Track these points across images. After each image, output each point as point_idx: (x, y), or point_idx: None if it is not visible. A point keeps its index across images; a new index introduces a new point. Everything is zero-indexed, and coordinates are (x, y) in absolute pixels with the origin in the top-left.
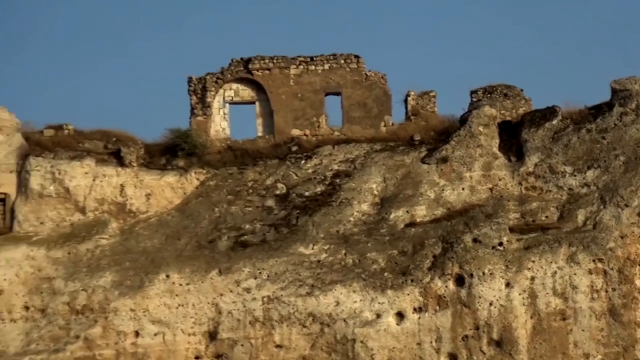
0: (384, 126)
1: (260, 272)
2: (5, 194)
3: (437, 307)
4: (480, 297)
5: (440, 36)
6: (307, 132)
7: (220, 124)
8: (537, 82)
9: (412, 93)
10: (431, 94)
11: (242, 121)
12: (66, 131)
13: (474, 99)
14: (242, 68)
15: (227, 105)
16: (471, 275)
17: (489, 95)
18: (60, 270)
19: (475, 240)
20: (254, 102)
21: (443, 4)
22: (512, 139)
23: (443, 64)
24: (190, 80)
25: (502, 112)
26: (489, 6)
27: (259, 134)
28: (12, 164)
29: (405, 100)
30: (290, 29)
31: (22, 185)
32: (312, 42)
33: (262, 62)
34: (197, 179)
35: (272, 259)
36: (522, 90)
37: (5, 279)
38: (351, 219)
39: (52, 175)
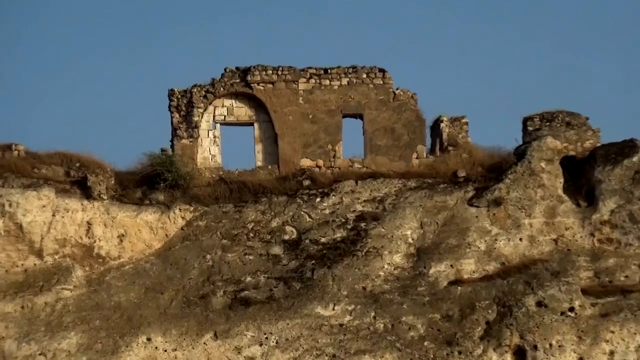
0: (417, 158)
1: (267, 338)
2: None
3: None
4: None
5: (466, 53)
6: (321, 162)
7: (209, 149)
8: (596, 109)
9: (445, 118)
10: (462, 120)
11: (236, 147)
12: (16, 152)
13: (530, 128)
14: (238, 80)
15: (218, 126)
16: (535, 347)
17: (547, 123)
18: (11, 329)
19: (539, 304)
20: (252, 124)
21: (463, 18)
22: (576, 178)
23: (468, 84)
24: (172, 93)
25: (565, 144)
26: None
27: (259, 163)
28: None
29: (433, 127)
30: (299, 35)
31: None
32: (327, 51)
33: (264, 73)
34: (183, 217)
35: (282, 320)
36: (587, 118)
37: None
38: (381, 273)
39: (1, 208)
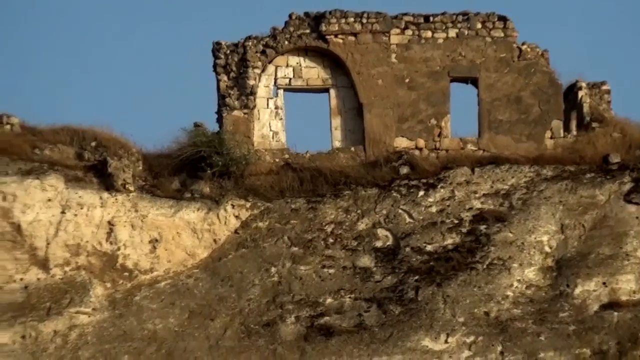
0: (551, 137)
1: None
2: None
3: None
4: None
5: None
6: (422, 143)
7: (269, 124)
8: None
9: (583, 85)
10: (603, 87)
11: (306, 121)
12: (8, 127)
13: None
14: (308, 30)
15: (281, 92)
16: None
17: None
18: None
19: None
20: (327, 90)
21: None
22: None
23: (604, 39)
24: (218, 47)
25: None
26: None
27: (337, 143)
28: None
29: (566, 96)
30: None
31: None
32: None
33: (343, 21)
34: (237, 216)
35: (377, 357)
36: None
37: None
38: (509, 293)
39: None
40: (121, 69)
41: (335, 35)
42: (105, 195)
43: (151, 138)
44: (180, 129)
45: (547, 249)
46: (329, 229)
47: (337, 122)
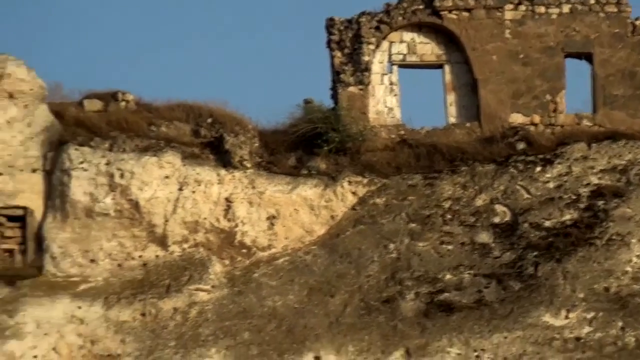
0: None
1: (478, 356)
2: (24, 208)
3: None
4: None
5: None
6: (537, 118)
7: (384, 100)
8: None
9: None
10: None
11: (420, 97)
12: (123, 103)
13: None
14: (422, 6)
15: (396, 68)
16: None
17: None
18: (129, 344)
19: None
20: (441, 66)
21: None
22: None
23: None
24: (331, 24)
25: None
26: None
27: (452, 119)
28: (34, 157)
29: None
30: None
31: (56, 194)
32: None
33: None
34: (353, 192)
35: (498, 332)
36: None
37: (35, 356)
38: (628, 268)
39: (108, 178)
40: (234, 45)
41: (449, 11)
42: (223, 172)
43: (263, 114)
44: (295, 106)
45: None
46: (446, 205)
47: (451, 98)
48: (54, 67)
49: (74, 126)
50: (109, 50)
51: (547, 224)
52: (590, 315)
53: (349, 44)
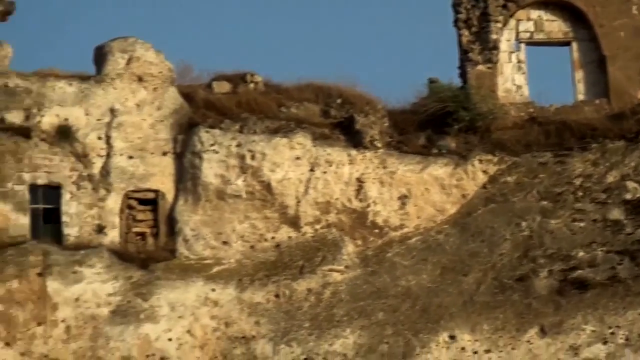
0: None
1: (612, 333)
2: (156, 191)
3: None
4: None
5: None
6: None
7: (512, 78)
8: None
9: None
10: None
11: (547, 75)
12: (252, 85)
13: None
14: None
15: (523, 46)
16: None
17: None
18: (264, 326)
19: None
20: (568, 43)
21: None
22: None
23: None
24: (458, 2)
25: None
26: None
27: (580, 96)
28: (164, 139)
29: None
30: None
31: (187, 177)
32: None
33: None
34: (484, 171)
35: (632, 310)
36: None
37: (171, 339)
38: None
39: (239, 160)
40: (358, 23)
41: None
42: (353, 152)
43: (386, 93)
44: (419, 85)
45: None
46: (577, 182)
47: (579, 74)
48: (182, 49)
49: (204, 108)
50: (236, 31)
51: None
52: None
53: (476, 23)
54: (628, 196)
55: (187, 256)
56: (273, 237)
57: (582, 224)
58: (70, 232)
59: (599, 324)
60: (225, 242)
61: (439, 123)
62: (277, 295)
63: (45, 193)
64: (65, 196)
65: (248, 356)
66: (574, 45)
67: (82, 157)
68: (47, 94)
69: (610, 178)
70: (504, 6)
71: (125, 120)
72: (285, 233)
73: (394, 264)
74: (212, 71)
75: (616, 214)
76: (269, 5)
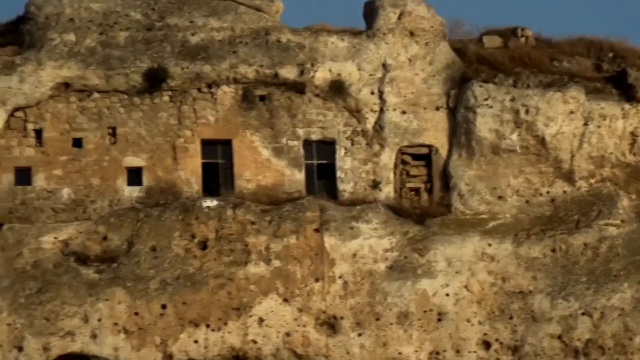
0: None
1: None
2: (429, 146)
3: None
4: None
5: None
6: None
7: None
8: None
9: None
10: None
11: None
12: (522, 39)
13: None
14: None
15: None
16: None
17: None
18: (541, 281)
19: None
20: None
21: None
22: None
23: None
24: None
25: None
26: None
27: None
28: (437, 94)
29: None
30: None
31: (461, 131)
32: None
33: None
34: None
35: None
36: None
37: (448, 294)
38: None
39: (513, 115)
40: None
41: None
42: (627, 106)
43: None
44: None
45: None
46: None
47: None
48: (451, 4)
49: (476, 63)
50: None
51: None
52: None
53: None
54: None
55: (462, 211)
56: (548, 192)
57: None
58: (345, 187)
59: None
60: (500, 197)
61: None
62: (553, 250)
63: (319, 149)
64: (340, 152)
65: (525, 311)
66: None
67: (356, 113)
68: (320, 49)
69: None
70: None
71: (398, 75)
72: (559, 187)
73: None
74: (481, 26)
75: None
76: None
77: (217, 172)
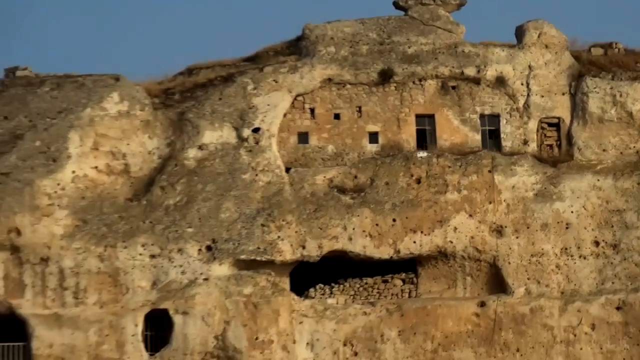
0: None
1: None
2: (558, 118)
3: None
4: None
5: None
6: None
7: None
8: None
9: None
10: None
11: None
12: (616, 50)
13: None
14: None
15: None
16: None
17: None
18: (630, 203)
19: None
20: None
21: None
22: None
23: None
24: None
25: None
26: None
27: None
28: (563, 85)
29: None
30: None
31: (578, 108)
32: None
33: None
34: None
35: None
36: None
37: (572, 211)
38: None
39: (612, 98)
40: None
41: None
42: None
43: None
44: None
45: None
46: None
47: None
48: (567, 27)
49: (587, 65)
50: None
51: None
52: None
53: None
54: None
55: (580, 159)
56: (634, 147)
57: None
58: (506, 144)
59: None
60: (604, 150)
61: None
62: (638, 184)
63: (489, 120)
64: (502, 121)
65: (621, 223)
66: None
67: (512, 97)
68: (489, 56)
69: None
70: None
71: (538, 73)
72: None
73: None
74: (590, 41)
75: None
76: None
77: (425, 135)
